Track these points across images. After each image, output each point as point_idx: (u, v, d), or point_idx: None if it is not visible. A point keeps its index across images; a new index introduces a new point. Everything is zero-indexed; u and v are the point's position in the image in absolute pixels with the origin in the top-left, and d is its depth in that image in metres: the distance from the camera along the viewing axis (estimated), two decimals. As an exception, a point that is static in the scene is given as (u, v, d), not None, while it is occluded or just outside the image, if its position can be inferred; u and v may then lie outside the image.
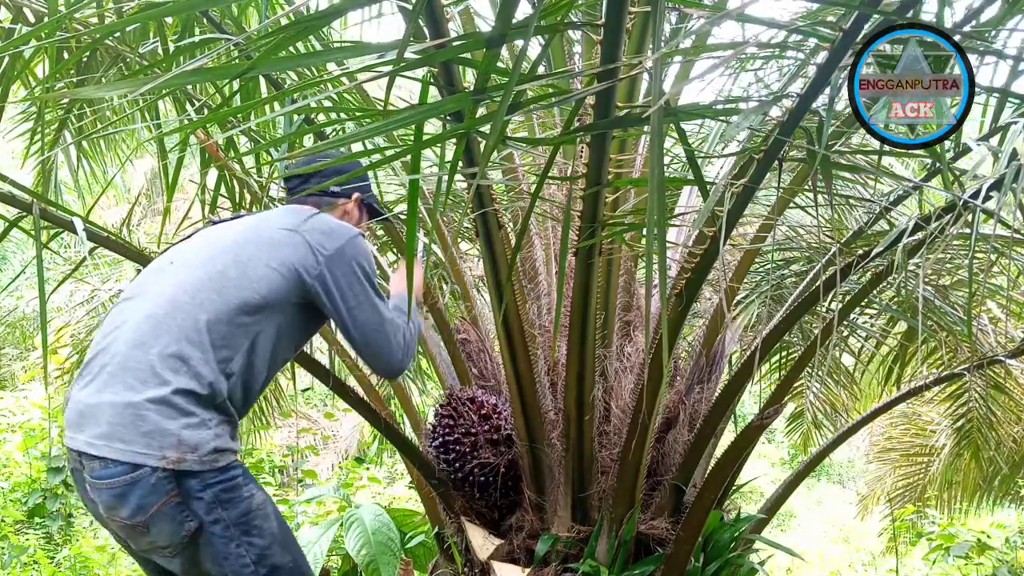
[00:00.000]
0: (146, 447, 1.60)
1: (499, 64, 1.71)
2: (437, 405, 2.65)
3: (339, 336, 3.51)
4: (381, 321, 1.89)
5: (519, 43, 2.25)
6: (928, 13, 1.85)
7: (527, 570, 2.44)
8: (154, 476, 1.60)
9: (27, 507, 5.28)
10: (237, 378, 1.74)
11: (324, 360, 3.08)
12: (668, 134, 2.25)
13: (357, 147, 2.64)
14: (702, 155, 2.61)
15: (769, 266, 3.62)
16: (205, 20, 2.57)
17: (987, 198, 1.90)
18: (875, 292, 2.90)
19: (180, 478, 1.62)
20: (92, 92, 2.50)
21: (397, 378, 2.10)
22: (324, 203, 2.04)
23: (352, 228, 1.93)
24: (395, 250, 3.52)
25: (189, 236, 1.99)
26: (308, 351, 3.10)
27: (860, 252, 2.32)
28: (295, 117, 2.28)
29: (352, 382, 2.88)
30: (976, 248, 2.52)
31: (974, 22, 2.00)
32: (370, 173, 2.28)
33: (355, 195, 2.10)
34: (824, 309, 2.80)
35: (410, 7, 1.65)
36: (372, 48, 1.32)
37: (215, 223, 2.01)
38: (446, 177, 1.45)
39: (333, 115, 2.74)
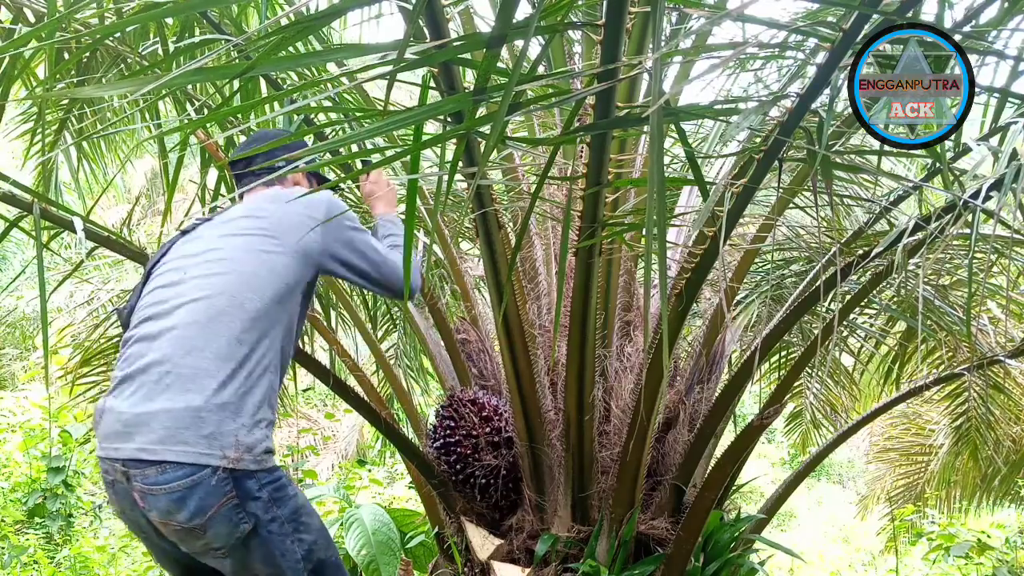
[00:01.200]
0: (208, 448, 1.64)
1: (499, 64, 1.71)
2: (438, 406, 2.65)
3: (339, 336, 3.51)
4: (384, 256, 1.96)
5: (519, 43, 2.26)
6: (928, 13, 1.85)
7: (527, 570, 2.44)
8: (215, 477, 1.64)
9: (27, 507, 5.28)
10: (275, 371, 1.80)
11: (325, 360, 3.08)
12: (668, 134, 2.25)
13: (356, 147, 2.65)
14: (702, 155, 2.61)
15: (769, 266, 3.63)
16: (205, 21, 2.57)
17: (987, 198, 1.90)
18: (875, 292, 2.89)
19: (237, 479, 1.66)
20: (92, 92, 2.51)
21: (413, 295, 2.01)
22: (275, 180, 2.08)
23: (325, 192, 1.99)
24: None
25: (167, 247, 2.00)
26: (309, 351, 3.10)
27: (860, 252, 2.32)
28: (295, 117, 2.29)
29: (352, 382, 2.88)
30: (976, 248, 2.52)
31: (974, 22, 2.00)
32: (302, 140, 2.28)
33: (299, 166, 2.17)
34: (824, 309, 2.80)
35: (410, 7, 1.65)
36: (372, 48, 1.32)
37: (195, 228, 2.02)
38: (446, 177, 1.45)
39: (333, 115, 2.74)
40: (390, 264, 1.96)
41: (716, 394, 2.61)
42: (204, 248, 1.90)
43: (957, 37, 1.44)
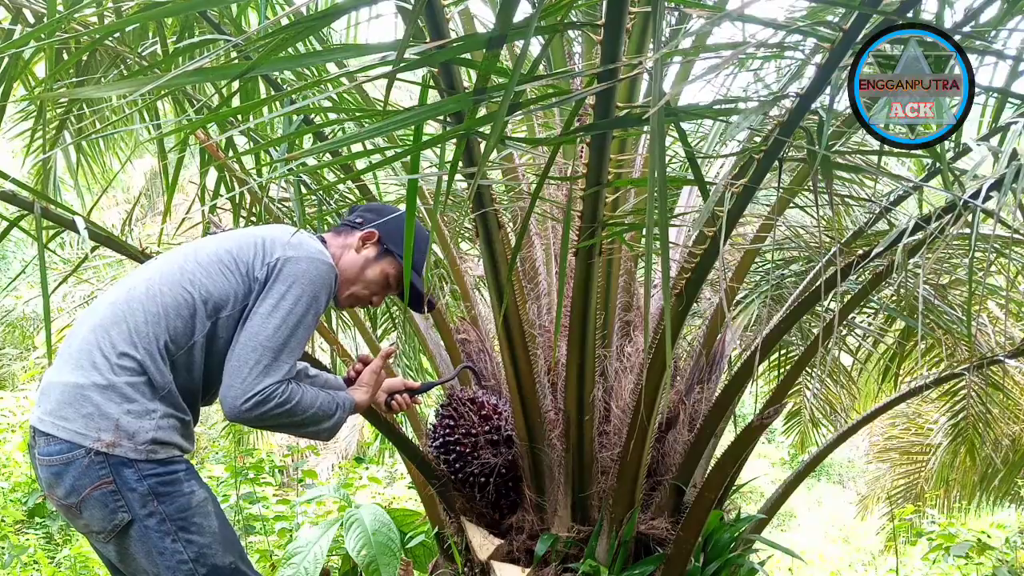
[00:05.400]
0: (84, 428, 1.66)
1: (499, 64, 1.71)
2: (438, 405, 2.65)
3: (339, 336, 3.50)
4: (267, 345, 1.72)
5: (519, 43, 2.26)
6: (928, 13, 1.85)
7: (527, 570, 2.44)
8: (87, 458, 1.65)
9: (27, 507, 5.28)
10: (181, 373, 1.77)
11: (325, 360, 3.08)
12: (668, 134, 2.25)
13: (356, 147, 2.65)
14: (702, 155, 2.61)
15: (769, 266, 3.63)
16: (204, 22, 2.57)
17: (987, 198, 1.90)
18: (874, 291, 2.90)
19: (116, 466, 1.66)
20: (92, 92, 2.50)
21: (230, 418, 1.75)
22: (343, 229, 2.04)
23: (322, 251, 1.86)
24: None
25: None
26: (309, 351, 3.10)
27: (860, 252, 2.32)
28: (294, 117, 2.28)
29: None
30: (975, 248, 2.52)
31: (974, 22, 2.00)
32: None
33: (368, 229, 2.01)
34: (824, 309, 2.80)
35: (410, 7, 1.65)
36: (372, 48, 1.32)
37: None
38: (446, 177, 1.45)
39: (333, 115, 2.74)
40: (260, 356, 1.71)
41: (716, 394, 2.61)
42: (185, 246, 1.95)
43: (957, 37, 1.44)
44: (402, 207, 2.43)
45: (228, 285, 1.79)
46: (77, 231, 2.37)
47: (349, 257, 1.98)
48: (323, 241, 1.99)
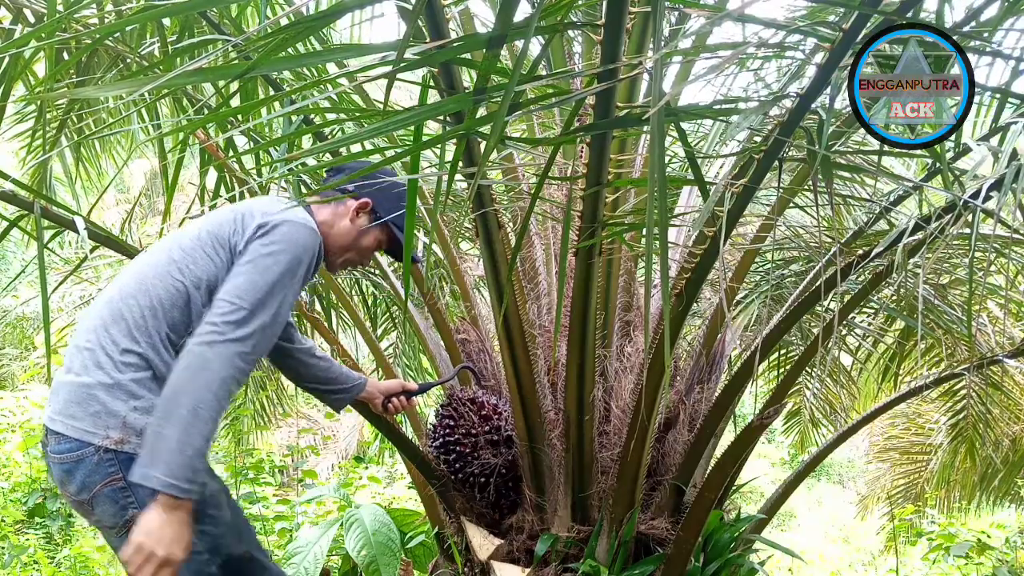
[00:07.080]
0: (92, 426, 1.67)
1: (499, 64, 1.71)
2: (438, 405, 2.65)
3: (340, 336, 3.50)
4: (241, 295, 1.68)
5: (519, 43, 2.26)
6: (928, 13, 1.85)
7: (527, 570, 2.44)
8: (97, 455, 1.66)
9: (27, 507, 5.28)
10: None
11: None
12: (668, 134, 2.25)
13: (356, 147, 2.64)
14: (702, 155, 2.61)
15: (769, 266, 3.63)
16: (204, 22, 2.56)
17: (987, 198, 1.90)
18: (874, 291, 2.90)
19: (125, 463, 1.66)
20: (92, 93, 2.50)
21: (207, 350, 1.63)
22: (330, 195, 2.00)
23: (306, 217, 1.82)
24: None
25: None
26: (308, 351, 3.09)
27: (860, 252, 2.32)
28: (294, 117, 2.28)
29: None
30: (975, 248, 2.52)
31: (974, 22, 2.00)
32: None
33: (362, 199, 1.98)
34: (824, 309, 2.81)
35: (410, 7, 1.65)
36: (372, 48, 1.32)
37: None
38: (446, 177, 1.45)
39: (332, 116, 2.74)
40: (241, 308, 1.65)
41: (716, 394, 2.61)
42: (171, 235, 1.93)
43: (957, 37, 1.44)
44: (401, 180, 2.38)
45: (214, 266, 1.78)
46: (77, 231, 2.37)
47: (343, 226, 1.97)
48: (307, 210, 1.94)
